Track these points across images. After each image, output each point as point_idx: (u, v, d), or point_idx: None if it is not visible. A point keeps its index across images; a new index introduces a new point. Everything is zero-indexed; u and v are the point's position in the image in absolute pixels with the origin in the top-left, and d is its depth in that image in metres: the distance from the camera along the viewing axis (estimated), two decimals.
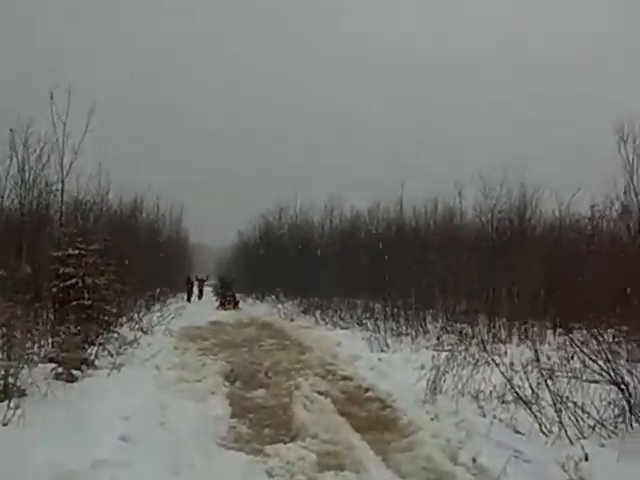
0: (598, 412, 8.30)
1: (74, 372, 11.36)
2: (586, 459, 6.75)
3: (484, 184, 23.84)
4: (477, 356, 12.57)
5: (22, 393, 9.25)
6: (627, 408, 8.17)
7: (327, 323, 27.06)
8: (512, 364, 10.87)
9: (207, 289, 50.91)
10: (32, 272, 13.71)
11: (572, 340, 11.87)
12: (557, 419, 8.17)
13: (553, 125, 63.29)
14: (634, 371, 8.54)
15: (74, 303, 12.67)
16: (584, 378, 9.83)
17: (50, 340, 12.87)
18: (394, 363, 14.87)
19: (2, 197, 15.30)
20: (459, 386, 10.84)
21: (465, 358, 12.40)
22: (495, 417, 9.04)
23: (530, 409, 8.70)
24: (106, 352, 13.46)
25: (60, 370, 11.18)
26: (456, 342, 16.50)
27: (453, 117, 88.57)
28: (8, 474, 6.31)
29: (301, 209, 43.12)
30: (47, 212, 16.67)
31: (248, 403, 11.68)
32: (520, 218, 24.19)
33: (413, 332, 21.42)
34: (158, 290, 32.85)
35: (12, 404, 8.09)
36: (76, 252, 13.03)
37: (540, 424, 8.34)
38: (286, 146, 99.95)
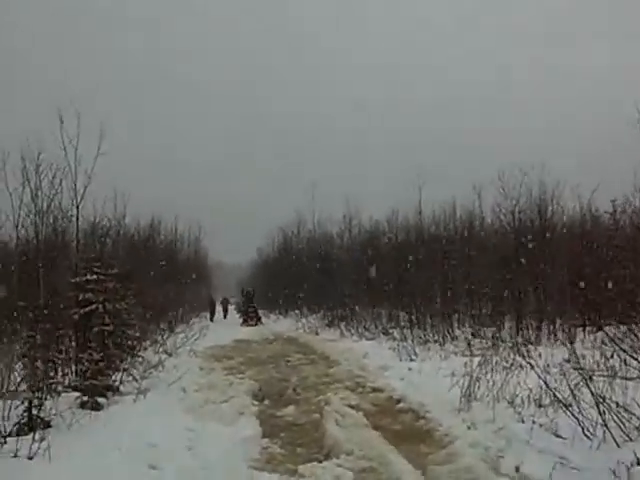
0: None
1: (99, 400, 11.15)
2: (638, 463, 6.40)
3: (503, 184, 23.53)
4: (510, 360, 12.29)
5: (47, 424, 9.04)
6: None
7: (352, 334, 26.75)
8: (547, 366, 10.58)
9: (230, 307, 50.80)
10: (49, 300, 13.49)
11: (611, 338, 11.46)
12: (601, 421, 7.82)
13: (571, 121, 62.48)
14: None
15: (96, 329, 12.42)
16: (624, 376, 9.53)
17: (73, 368, 12.67)
18: (424, 372, 14.54)
19: (17, 226, 15.08)
20: (494, 392, 10.53)
21: (497, 362, 12.11)
22: (534, 422, 8.71)
23: (571, 412, 8.36)
24: (131, 377, 13.22)
25: (85, 399, 10.97)
26: (487, 346, 16.23)
27: (468, 118, 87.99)
28: None
29: (319, 221, 42.86)
30: (63, 238, 16.46)
31: (278, 422, 11.44)
32: (541, 216, 23.81)
33: (440, 339, 21.07)
34: (180, 311, 32.66)
35: (37, 436, 7.84)
36: (94, 277, 12.79)
37: (582, 427, 8.01)
38: (301, 157, 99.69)
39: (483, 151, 49.45)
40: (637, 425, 7.73)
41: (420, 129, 78.41)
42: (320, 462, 8.36)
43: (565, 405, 8.58)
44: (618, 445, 7.31)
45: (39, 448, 7.55)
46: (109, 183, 20.47)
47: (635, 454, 6.51)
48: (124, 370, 13.02)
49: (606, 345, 12.04)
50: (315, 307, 38.00)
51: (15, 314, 13.06)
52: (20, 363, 10.48)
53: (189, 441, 9.33)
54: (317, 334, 29.86)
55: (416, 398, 11.97)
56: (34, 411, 8.96)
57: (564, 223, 24.66)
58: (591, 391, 8.27)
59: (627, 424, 7.73)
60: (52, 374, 11.21)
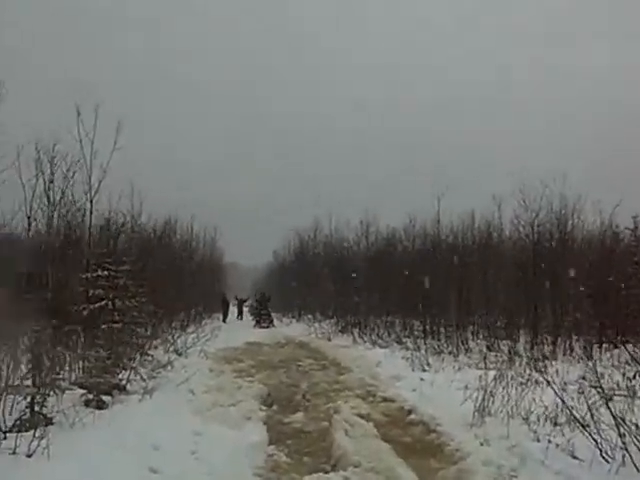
0: None
1: (104, 398, 10.95)
2: None
3: (524, 196, 23.25)
4: (526, 375, 12.01)
5: (49, 422, 8.85)
6: None
7: (365, 342, 26.43)
8: (565, 383, 10.30)
9: (245, 309, 50.68)
10: (58, 294, 13.32)
11: (634, 357, 11.15)
12: (620, 444, 7.52)
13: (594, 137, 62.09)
14: None
15: (104, 326, 12.24)
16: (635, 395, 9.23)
17: (80, 365, 12.47)
18: (437, 383, 14.22)
19: (28, 218, 14.85)
20: (508, 407, 10.25)
21: (512, 377, 11.83)
22: (550, 441, 8.41)
23: (588, 433, 8.06)
24: (138, 376, 13.00)
25: (90, 396, 10.78)
26: (502, 360, 15.97)
27: (468, 118, 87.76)
28: None
29: (336, 227, 42.69)
30: (75, 232, 16.27)
31: (286, 428, 11.21)
32: (561, 230, 23.52)
33: (454, 350, 20.79)
34: (193, 311, 32.49)
35: (37, 434, 7.62)
36: (105, 274, 12.62)
37: (600, 449, 7.71)
38: (319, 163, 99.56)
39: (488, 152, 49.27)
40: None
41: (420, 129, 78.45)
42: (327, 473, 8.12)
43: (583, 425, 8.28)
44: (638, 470, 7.02)
45: (39, 445, 7.33)
46: (125, 179, 20.35)
47: None
48: (132, 369, 12.81)
49: (629, 364, 11.74)
50: (328, 313, 37.76)
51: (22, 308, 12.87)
52: (25, 358, 10.28)
53: (194, 444, 9.09)
54: (330, 340, 29.56)
55: (428, 410, 11.66)
56: (36, 407, 8.78)
57: (584, 237, 24.39)
58: (611, 412, 7.94)
59: None
60: (58, 370, 11.02)
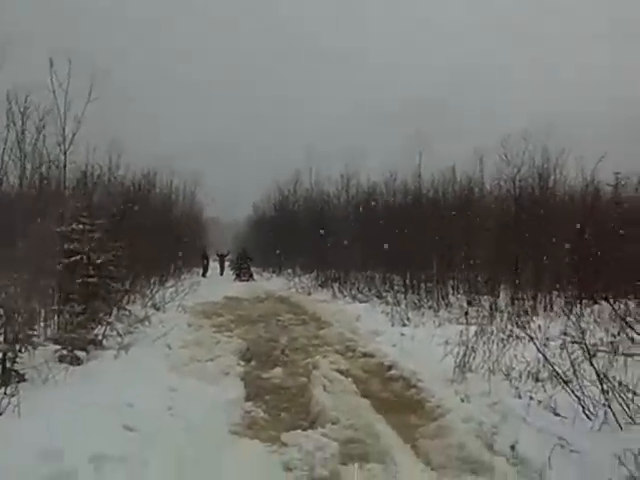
0: None
1: (79, 354, 10.76)
2: None
3: (506, 151, 23.07)
4: (507, 331, 11.92)
5: (22, 378, 8.66)
6: None
7: (345, 296, 26.34)
8: (547, 339, 10.20)
9: (226, 264, 50.50)
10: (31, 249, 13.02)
11: (620, 316, 11.03)
12: (603, 401, 7.39)
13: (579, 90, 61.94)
14: None
15: (79, 281, 12.01)
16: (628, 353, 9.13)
17: (55, 320, 12.26)
18: (417, 338, 14.12)
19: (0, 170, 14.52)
20: (490, 364, 10.14)
21: (493, 333, 11.72)
22: (532, 398, 8.30)
23: (571, 389, 7.94)
24: (115, 332, 12.79)
25: (64, 352, 10.60)
26: (484, 315, 15.88)
27: (471, 83, 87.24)
28: None
29: (316, 180, 42.40)
30: (49, 185, 15.93)
31: (264, 384, 11.06)
32: (542, 185, 23.36)
33: (435, 305, 20.71)
34: (172, 265, 32.26)
35: (8, 391, 7.42)
36: (81, 227, 12.35)
37: (583, 406, 7.59)
38: (302, 117, 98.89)
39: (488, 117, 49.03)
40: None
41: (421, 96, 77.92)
42: (305, 430, 7.97)
43: (565, 381, 8.15)
44: (621, 427, 6.90)
45: (9, 403, 7.13)
46: (103, 132, 20.01)
47: None
48: (108, 324, 12.60)
49: (613, 321, 11.65)
50: (308, 267, 37.65)
51: None
52: None
53: (170, 400, 8.88)
54: (309, 294, 29.49)
55: (408, 366, 11.55)
56: (8, 364, 8.58)
57: (565, 192, 24.26)
58: (595, 369, 7.81)
59: (631, 405, 7.30)
60: (31, 326, 10.79)
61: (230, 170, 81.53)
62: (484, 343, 10.84)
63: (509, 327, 13.45)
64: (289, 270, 41.18)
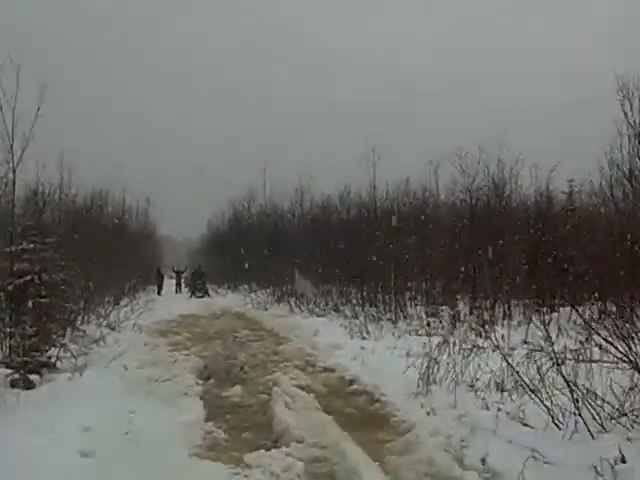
0: (618, 400, 7.37)
1: (32, 377, 10.43)
2: (623, 460, 5.82)
3: (461, 162, 23.13)
4: (470, 341, 11.79)
5: None
6: None
7: (302, 311, 26.16)
8: (512, 349, 10.08)
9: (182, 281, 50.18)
10: None
11: (587, 323, 10.93)
12: (574, 410, 7.25)
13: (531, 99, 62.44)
14: None
15: (31, 302, 11.66)
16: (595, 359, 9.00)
17: (6, 343, 11.88)
18: (378, 351, 13.97)
19: None
20: (453, 375, 9.99)
21: (455, 344, 11.57)
22: (499, 409, 8.16)
23: (539, 399, 7.80)
24: (69, 353, 12.43)
25: (16, 376, 10.26)
26: (443, 326, 15.79)
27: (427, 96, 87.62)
28: None
29: (270, 196, 42.37)
30: None
31: (224, 403, 10.78)
32: (498, 195, 23.42)
33: (393, 317, 20.59)
34: (127, 284, 31.82)
35: None
36: (31, 246, 12.01)
37: (552, 416, 7.46)
38: (254, 130, 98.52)
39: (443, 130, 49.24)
40: (611, 414, 7.19)
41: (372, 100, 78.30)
42: (268, 450, 7.72)
43: (532, 391, 8.02)
44: (593, 436, 6.77)
45: None
46: (53, 150, 19.68)
47: (620, 450, 5.92)
48: (61, 345, 12.24)
49: (581, 328, 11.54)
50: (264, 282, 37.40)
51: None
52: None
53: (127, 424, 8.59)
54: (266, 309, 29.31)
55: (370, 380, 11.39)
56: None
57: (520, 202, 24.36)
58: (564, 377, 7.68)
59: (602, 413, 7.17)
60: None
61: (183, 188, 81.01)
62: (449, 355, 10.67)
63: (472, 337, 13.38)
64: (245, 286, 40.92)
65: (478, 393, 9.28)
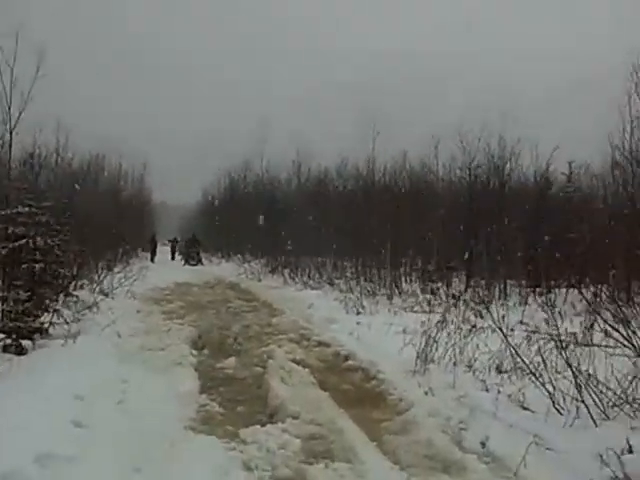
0: (621, 387, 7.23)
1: (24, 343, 10.31)
2: (630, 451, 5.67)
3: (461, 138, 22.97)
4: (469, 320, 11.67)
5: None
6: None
7: (297, 283, 26.08)
8: (512, 330, 9.94)
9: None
10: None
11: (593, 307, 10.79)
12: (576, 396, 7.13)
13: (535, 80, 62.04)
14: None
15: (24, 266, 11.49)
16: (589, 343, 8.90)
17: None
18: (374, 327, 13.84)
19: None
20: (452, 354, 9.87)
21: (453, 322, 11.46)
22: (499, 392, 8.02)
23: (541, 382, 7.68)
24: (62, 319, 12.28)
25: (8, 342, 10.13)
26: (439, 303, 15.67)
27: (431, 70, 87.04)
28: None
29: (268, 166, 42.15)
30: None
31: (218, 374, 10.63)
32: (498, 173, 23.25)
33: (389, 292, 20.46)
34: (120, 250, 31.66)
35: None
36: (26, 210, 11.83)
37: (553, 400, 7.34)
38: (254, 100, 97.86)
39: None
40: (614, 402, 7.05)
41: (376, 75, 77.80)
42: (263, 425, 7.59)
43: (534, 375, 7.89)
44: (595, 424, 6.65)
45: None
46: (51, 113, 19.45)
47: (628, 440, 5.79)
48: (54, 311, 12.09)
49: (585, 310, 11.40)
50: (259, 253, 37.26)
51: None
52: None
53: (121, 393, 8.45)
54: (260, 280, 29.20)
55: (366, 356, 11.25)
56: None
57: (519, 182, 24.24)
58: (568, 362, 7.55)
59: (605, 400, 7.04)
60: None
61: (180, 154, 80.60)
62: (448, 334, 10.54)
63: (472, 317, 13.27)
64: (239, 256, 40.77)
65: (477, 374, 9.18)
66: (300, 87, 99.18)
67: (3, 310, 11.42)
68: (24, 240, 11.58)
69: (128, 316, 15.11)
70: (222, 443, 6.90)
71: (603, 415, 6.86)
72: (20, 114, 13.96)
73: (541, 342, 8.87)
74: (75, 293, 14.74)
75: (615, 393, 7.10)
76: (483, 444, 6.59)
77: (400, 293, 20.68)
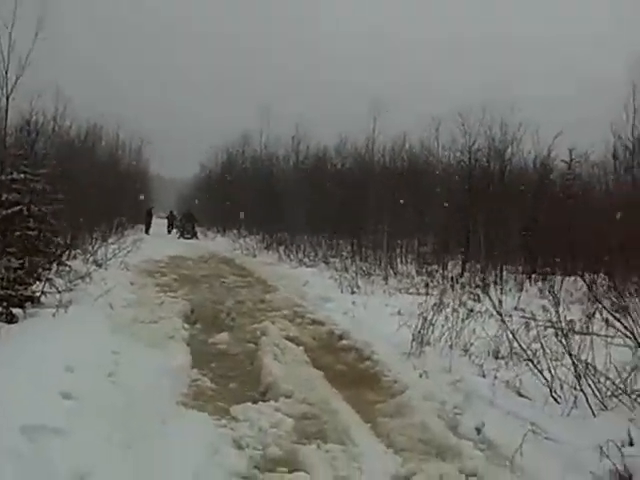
0: (619, 377, 7.10)
1: (15, 311, 10.15)
2: (631, 443, 5.55)
3: (463, 121, 22.83)
4: (465, 304, 11.57)
5: None
6: None
7: (292, 260, 25.97)
8: (510, 316, 9.83)
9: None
10: None
11: (595, 296, 10.67)
12: (575, 385, 7.01)
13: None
14: None
15: (18, 234, 11.33)
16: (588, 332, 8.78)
17: None
18: (369, 307, 13.74)
19: None
20: (448, 338, 9.76)
21: (449, 305, 11.35)
22: (496, 377, 7.90)
23: (539, 370, 7.56)
24: (54, 288, 12.13)
25: None
26: (435, 285, 15.58)
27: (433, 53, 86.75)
28: None
29: (266, 142, 41.97)
30: None
31: (210, 349, 10.58)
32: (498, 158, 23.12)
33: (385, 273, 20.34)
34: (115, 221, 31.50)
35: None
36: (21, 176, 11.65)
37: (550, 388, 7.23)
38: (255, 77, 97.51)
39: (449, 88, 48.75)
40: (613, 392, 6.94)
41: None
42: (255, 403, 7.48)
43: (532, 362, 7.77)
44: (594, 414, 6.54)
45: None
46: (49, 81, 19.24)
47: (629, 432, 5.67)
48: (47, 280, 11.94)
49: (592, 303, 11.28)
50: (254, 228, 37.12)
51: None
52: None
53: (112, 365, 8.29)
54: (255, 256, 29.13)
55: (361, 336, 11.15)
56: None
57: (519, 167, 24.12)
58: (568, 351, 7.42)
59: (603, 390, 6.93)
60: None
61: (178, 127, 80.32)
62: (446, 317, 10.41)
63: (470, 301, 13.18)
64: (234, 231, 40.64)
65: (472, 358, 9.08)
66: (304, 65, 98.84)
67: None
68: (18, 207, 11.42)
69: (121, 287, 14.96)
70: (213, 420, 6.80)
71: (601, 405, 6.74)
72: (17, 79, 13.75)
73: (539, 329, 8.76)
74: (68, 263, 14.59)
75: (614, 383, 6.97)
76: (479, 430, 6.50)
77: (396, 274, 20.58)
